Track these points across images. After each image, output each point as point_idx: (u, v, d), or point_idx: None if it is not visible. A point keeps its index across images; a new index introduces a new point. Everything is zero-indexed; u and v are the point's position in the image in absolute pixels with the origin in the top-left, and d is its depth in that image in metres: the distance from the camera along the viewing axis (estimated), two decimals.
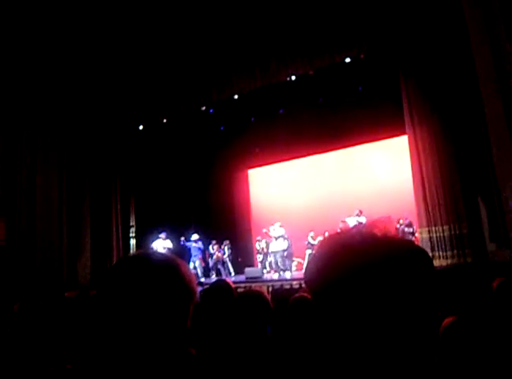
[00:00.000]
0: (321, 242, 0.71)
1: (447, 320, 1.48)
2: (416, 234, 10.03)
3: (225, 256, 12.50)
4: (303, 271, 0.77)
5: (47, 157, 10.14)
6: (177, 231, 12.60)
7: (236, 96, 11.46)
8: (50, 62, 9.99)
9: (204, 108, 11.99)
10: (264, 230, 11.91)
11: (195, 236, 12.20)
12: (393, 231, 0.70)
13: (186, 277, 0.87)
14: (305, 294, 2.78)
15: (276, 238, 11.39)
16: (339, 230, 0.73)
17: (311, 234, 11.51)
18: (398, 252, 0.65)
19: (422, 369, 0.65)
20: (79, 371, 0.79)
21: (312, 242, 11.37)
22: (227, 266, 12.44)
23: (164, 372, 0.81)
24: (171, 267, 0.87)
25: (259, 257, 12.67)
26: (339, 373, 0.67)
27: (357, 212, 10.91)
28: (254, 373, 1.78)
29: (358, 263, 0.63)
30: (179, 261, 0.90)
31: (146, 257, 0.91)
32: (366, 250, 0.64)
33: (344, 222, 10.37)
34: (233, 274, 12.39)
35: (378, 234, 0.68)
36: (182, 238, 12.26)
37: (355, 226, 0.71)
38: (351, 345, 0.64)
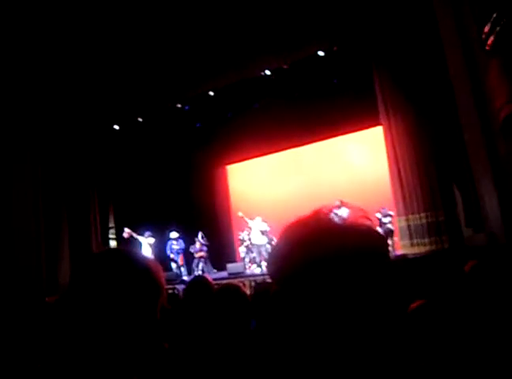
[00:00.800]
0: (279, 233, 0.73)
1: (414, 304, 1.53)
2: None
3: (204, 252, 12.18)
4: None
5: (21, 163, 9.89)
6: (158, 230, 12.48)
7: (212, 92, 11.41)
8: (16, 64, 9.75)
9: (179, 105, 11.90)
10: (240, 214, 11.84)
11: (174, 234, 12.07)
12: (349, 219, 0.72)
13: (154, 271, 0.89)
14: None
15: (262, 233, 11.42)
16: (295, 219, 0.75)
17: None
18: (353, 239, 0.66)
19: (384, 353, 0.67)
20: (48, 369, 0.80)
21: None
22: (208, 262, 12.25)
23: (134, 363, 0.83)
24: (139, 261, 0.89)
25: (241, 249, 12.53)
26: (304, 365, 0.68)
27: (338, 203, 10.87)
28: (235, 366, 1.80)
29: (312, 254, 0.65)
30: (148, 257, 0.92)
31: (115, 252, 0.93)
32: (321, 240, 0.66)
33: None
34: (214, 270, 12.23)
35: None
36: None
37: (312, 214, 0.72)
38: (312, 335, 0.66)
